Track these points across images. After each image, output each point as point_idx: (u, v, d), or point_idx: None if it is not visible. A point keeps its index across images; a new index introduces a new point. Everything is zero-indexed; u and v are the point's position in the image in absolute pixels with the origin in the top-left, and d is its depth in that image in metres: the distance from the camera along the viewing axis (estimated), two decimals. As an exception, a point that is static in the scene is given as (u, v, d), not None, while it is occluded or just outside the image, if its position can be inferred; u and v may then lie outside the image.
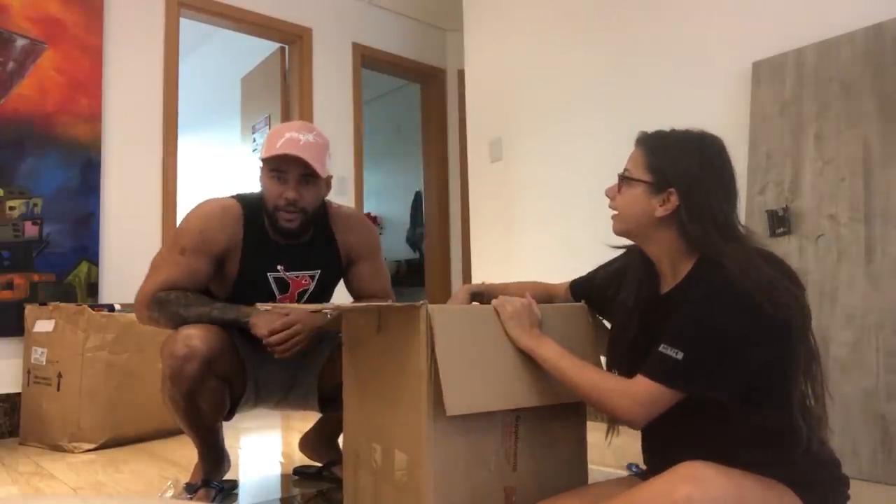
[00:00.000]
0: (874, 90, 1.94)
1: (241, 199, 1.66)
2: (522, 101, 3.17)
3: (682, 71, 2.51)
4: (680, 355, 1.00)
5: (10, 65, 2.74)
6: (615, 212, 1.20)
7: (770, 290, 0.99)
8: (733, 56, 2.34)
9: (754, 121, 2.21)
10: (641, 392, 1.03)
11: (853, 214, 1.92)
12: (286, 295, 1.68)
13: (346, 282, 1.83)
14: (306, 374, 1.73)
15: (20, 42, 2.77)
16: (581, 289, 1.41)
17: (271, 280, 1.65)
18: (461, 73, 4.04)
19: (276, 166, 1.56)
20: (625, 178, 1.17)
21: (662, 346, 1.02)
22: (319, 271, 1.70)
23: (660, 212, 1.11)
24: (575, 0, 2.95)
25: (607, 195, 1.21)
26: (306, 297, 1.71)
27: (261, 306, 1.53)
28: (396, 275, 5.85)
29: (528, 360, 1.21)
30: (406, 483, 1.18)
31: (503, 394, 1.18)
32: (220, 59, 5.09)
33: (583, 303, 1.37)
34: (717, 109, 2.35)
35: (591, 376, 1.11)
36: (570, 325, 1.31)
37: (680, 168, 1.11)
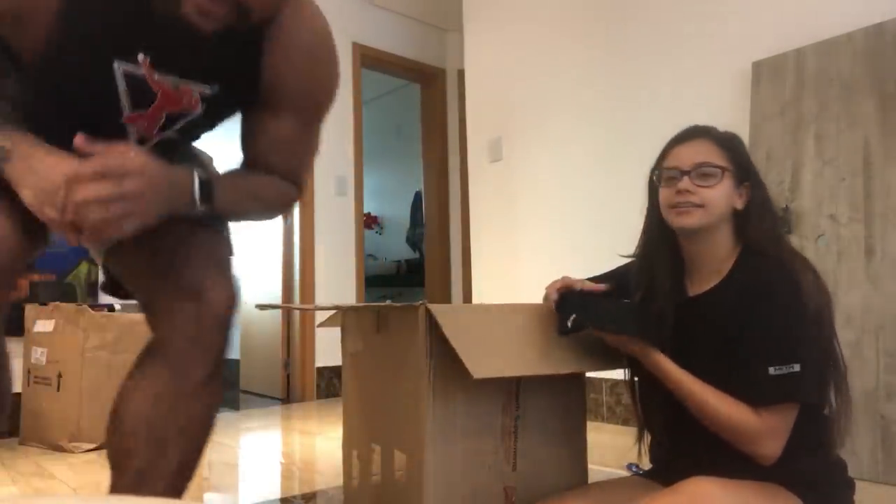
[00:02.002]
0: (874, 90, 1.94)
1: None
2: (522, 101, 3.17)
3: (682, 71, 2.51)
4: (797, 367, 0.97)
5: (10, 65, 2.73)
6: (697, 205, 1.08)
7: (820, 293, 1.01)
8: (733, 56, 2.34)
9: (754, 121, 2.21)
10: (775, 426, 0.98)
11: (853, 214, 1.92)
12: (143, 112, 0.91)
13: (243, 125, 1.02)
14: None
15: (20, 42, 2.76)
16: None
17: (118, 74, 0.84)
18: (461, 73, 4.04)
19: None
20: (718, 169, 1.08)
21: (771, 367, 0.97)
22: (217, 88, 0.92)
23: (739, 204, 1.10)
24: (575, 0, 2.95)
25: (688, 190, 1.08)
26: (180, 125, 0.95)
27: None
28: (396, 275, 5.85)
29: (532, 337, 1.19)
30: (406, 483, 1.18)
31: (517, 362, 1.16)
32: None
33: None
34: (717, 109, 2.35)
35: (719, 408, 1.01)
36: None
37: (750, 162, 1.12)
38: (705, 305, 1.10)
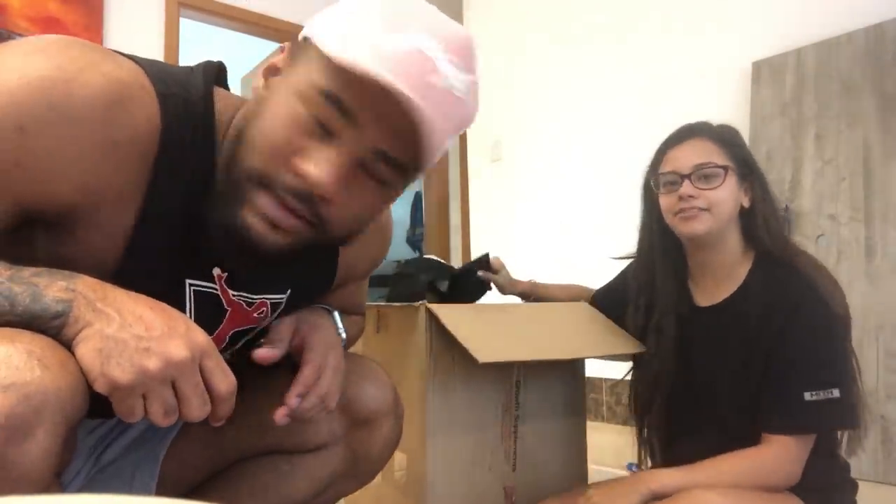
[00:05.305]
0: (874, 90, 1.93)
1: (165, 92, 0.62)
2: (522, 101, 3.17)
3: (683, 71, 2.51)
4: (836, 392, 0.92)
5: (10, 65, 2.74)
6: (703, 209, 1.02)
7: (844, 306, 0.97)
8: (733, 56, 2.34)
9: (754, 121, 2.21)
10: (796, 452, 0.95)
11: (853, 214, 1.92)
12: (213, 333, 0.76)
13: None
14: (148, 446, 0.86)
15: (20, 42, 2.77)
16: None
17: (189, 293, 0.72)
18: (461, 73, 4.04)
19: (340, 94, 0.60)
20: (721, 168, 1.01)
21: (807, 393, 0.92)
22: (289, 292, 0.81)
23: (745, 202, 1.04)
24: (575, 0, 2.95)
25: (691, 195, 1.02)
26: (243, 341, 0.83)
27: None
28: (396, 275, 5.85)
29: (533, 329, 1.18)
30: (406, 483, 1.18)
31: (520, 349, 1.14)
32: (219, 59, 5.08)
33: (582, 301, 1.37)
34: (717, 109, 2.35)
35: (735, 469, 0.97)
36: (580, 319, 1.29)
37: (752, 158, 1.06)
38: (720, 317, 1.05)
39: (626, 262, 1.29)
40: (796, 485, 0.98)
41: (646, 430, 1.20)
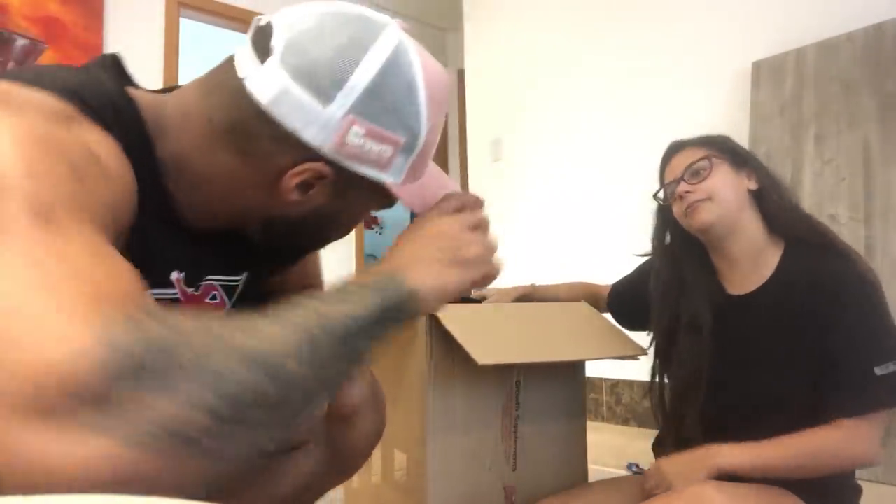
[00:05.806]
0: (874, 90, 1.93)
1: (107, 118, 0.60)
2: (522, 101, 3.17)
3: (683, 71, 2.51)
4: None
5: (10, 65, 2.74)
6: (703, 199, 1.06)
7: (873, 272, 0.99)
8: (733, 56, 2.34)
9: (754, 121, 2.21)
10: (871, 431, 0.94)
11: (853, 214, 1.92)
12: None
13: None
14: None
15: (20, 42, 2.77)
16: (621, 295, 1.35)
17: (177, 286, 0.76)
18: (461, 73, 4.04)
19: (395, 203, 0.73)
20: (705, 160, 1.07)
21: (877, 368, 0.92)
22: (246, 275, 0.82)
23: (751, 185, 1.08)
24: (575, 0, 2.95)
25: (687, 191, 1.08)
26: None
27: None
28: (396, 275, 5.85)
29: (534, 330, 1.19)
30: (406, 483, 1.18)
31: (521, 351, 1.15)
32: (220, 59, 5.08)
33: (582, 302, 1.37)
34: (717, 109, 2.35)
35: (807, 448, 0.95)
36: (580, 320, 1.30)
37: (745, 151, 1.12)
38: (755, 305, 1.05)
39: (644, 260, 1.30)
40: (797, 485, 0.98)
41: (677, 431, 1.14)
